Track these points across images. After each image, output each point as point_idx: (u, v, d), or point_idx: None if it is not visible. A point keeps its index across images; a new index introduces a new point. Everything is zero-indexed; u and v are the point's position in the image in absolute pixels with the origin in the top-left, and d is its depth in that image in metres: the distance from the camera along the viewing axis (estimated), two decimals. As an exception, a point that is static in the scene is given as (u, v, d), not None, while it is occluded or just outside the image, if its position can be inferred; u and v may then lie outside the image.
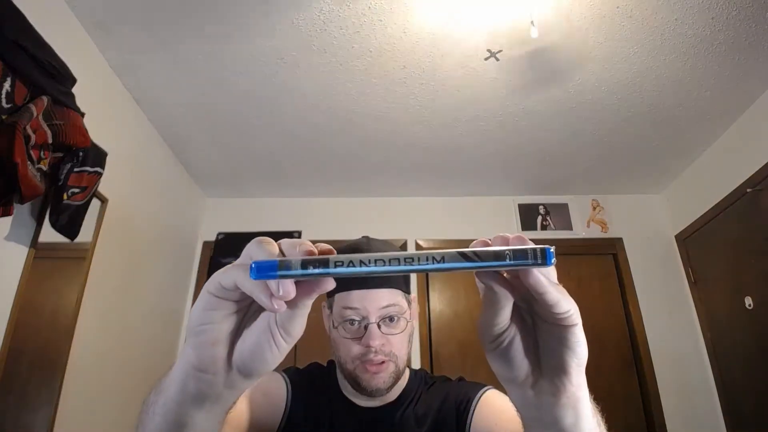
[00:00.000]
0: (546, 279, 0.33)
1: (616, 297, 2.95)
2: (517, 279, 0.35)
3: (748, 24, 1.77)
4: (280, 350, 0.36)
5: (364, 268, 0.30)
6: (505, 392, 0.42)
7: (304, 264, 0.30)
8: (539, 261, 0.31)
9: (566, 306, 0.34)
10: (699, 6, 1.69)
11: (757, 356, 2.28)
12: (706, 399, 2.65)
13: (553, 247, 0.31)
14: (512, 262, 0.31)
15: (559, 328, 0.35)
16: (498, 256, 0.31)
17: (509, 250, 0.31)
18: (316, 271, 0.30)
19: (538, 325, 0.38)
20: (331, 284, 0.33)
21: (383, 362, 0.74)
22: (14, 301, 1.44)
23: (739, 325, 2.41)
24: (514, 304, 0.37)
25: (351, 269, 0.30)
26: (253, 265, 0.30)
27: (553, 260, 0.31)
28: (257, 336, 0.36)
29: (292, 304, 0.34)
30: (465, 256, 0.31)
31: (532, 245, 0.32)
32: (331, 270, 0.30)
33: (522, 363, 0.38)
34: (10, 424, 1.45)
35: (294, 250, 0.33)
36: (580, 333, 0.35)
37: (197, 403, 0.37)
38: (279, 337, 0.35)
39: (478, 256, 0.31)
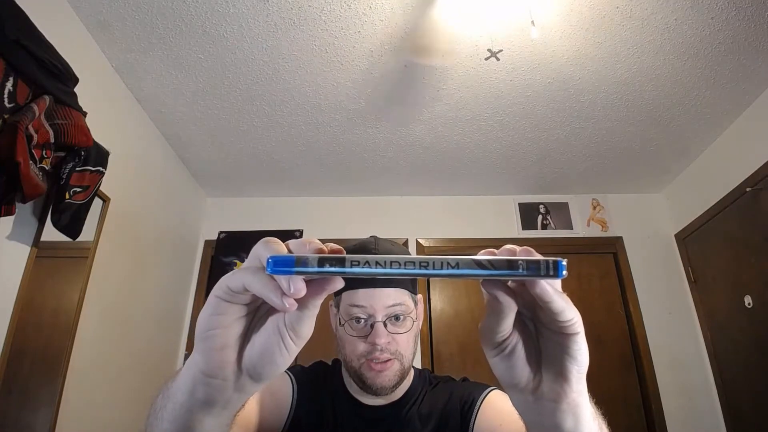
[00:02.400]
0: (552, 288, 0.34)
1: (616, 296, 2.95)
2: (521, 287, 0.36)
3: (747, 24, 1.77)
4: (289, 352, 0.36)
5: (379, 269, 0.31)
6: None
7: (321, 261, 0.31)
8: (551, 273, 0.31)
9: (570, 315, 0.34)
10: (699, 6, 1.69)
11: (757, 356, 2.28)
12: (706, 398, 2.65)
13: (566, 260, 0.32)
14: (525, 272, 0.31)
15: (561, 336, 0.36)
16: (512, 265, 0.31)
17: (523, 260, 0.31)
18: (333, 269, 0.31)
19: (540, 332, 0.38)
20: (340, 284, 0.33)
21: (388, 360, 0.75)
22: (16, 300, 1.45)
23: (738, 324, 2.41)
24: (517, 312, 0.37)
25: (367, 269, 0.31)
26: (270, 259, 0.31)
27: (564, 272, 0.31)
28: (266, 339, 0.36)
29: (301, 304, 0.34)
30: (479, 264, 0.31)
31: (542, 257, 0.32)
32: (347, 269, 0.31)
33: (523, 369, 0.38)
34: (11, 424, 1.45)
35: (304, 249, 0.33)
36: (582, 341, 0.36)
37: (206, 408, 0.37)
38: (288, 339, 0.36)
39: (493, 264, 0.31)
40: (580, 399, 0.38)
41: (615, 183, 3.06)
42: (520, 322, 0.39)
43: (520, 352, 0.39)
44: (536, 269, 0.31)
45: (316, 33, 1.80)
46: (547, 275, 0.31)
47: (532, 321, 0.39)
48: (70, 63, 1.49)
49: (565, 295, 0.35)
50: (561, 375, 0.37)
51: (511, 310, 0.36)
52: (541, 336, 0.38)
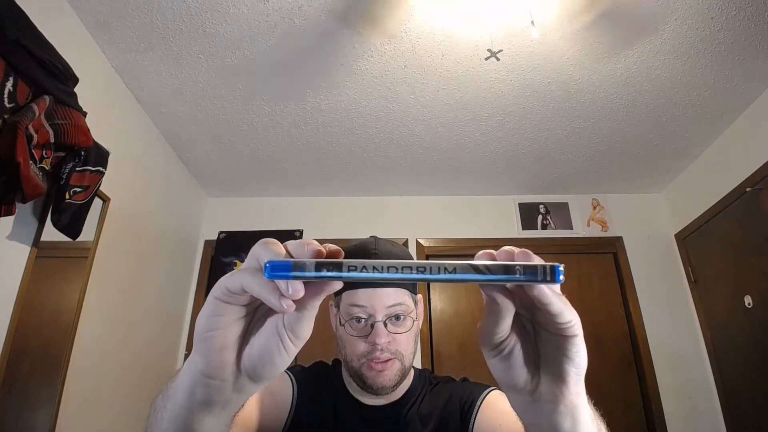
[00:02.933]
0: (550, 290, 0.34)
1: (616, 296, 2.95)
2: (520, 288, 0.36)
3: (748, 24, 1.77)
4: (288, 353, 0.36)
5: (376, 274, 0.31)
6: None
7: (318, 266, 0.31)
8: (548, 278, 0.31)
9: (569, 316, 0.34)
10: (699, 6, 1.69)
11: (757, 355, 2.28)
12: (706, 398, 2.65)
13: (563, 265, 0.32)
14: (521, 277, 0.32)
15: (560, 338, 0.36)
16: (508, 270, 0.32)
17: (519, 265, 0.32)
18: (330, 273, 0.31)
19: (539, 333, 0.38)
20: (338, 285, 0.33)
21: (389, 360, 0.75)
22: (16, 300, 1.45)
23: (738, 324, 2.41)
24: (516, 313, 0.37)
25: (364, 274, 0.31)
26: (267, 264, 0.31)
27: (562, 278, 0.31)
28: (265, 340, 0.36)
29: (300, 305, 0.34)
30: (476, 269, 0.32)
31: (540, 261, 0.33)
32: (344, 274, 0.31)
33: (521, 370, 0.38)
34: (11, 424, 1.46)
35: (302, 250, 0.33)
36: (580, 343, 0.36)
37: (206, 408, 0.37)
38: (287, 339, 0.36)
39: (489, 269, 0.32)
40: (578, 401, 0.38)
41: (615, 183, 3.06)
42: (518, 324, 0.39)
43: (519, 353, 0.39)
44: (533, 274, 0.31)
45: (316, 33, 1.80)
46: (544, 280, 0.32)
47: (530, 322, 0.39)
48: (70, 63, 1.49)
49: (563, 297, 0.35)
50: (559, 377, 0.37)
51: (508, 311, 0.36)
52: (540, 337, 0.38)
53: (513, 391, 0.40)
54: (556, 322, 0.35)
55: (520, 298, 0.36)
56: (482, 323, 0.38)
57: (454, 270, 0.31)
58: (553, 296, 0.34)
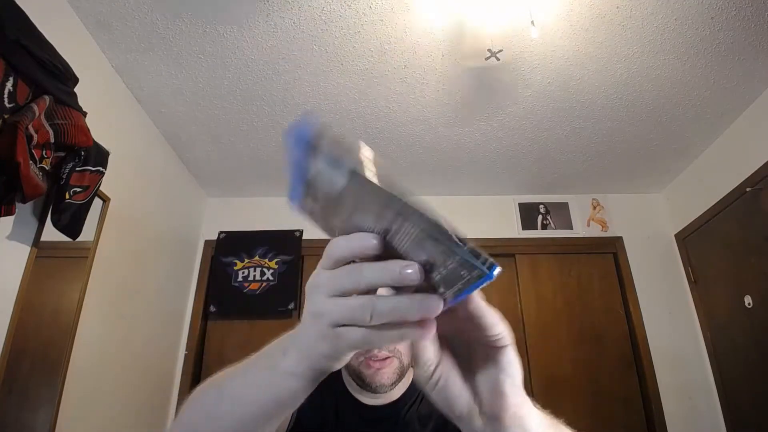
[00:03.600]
0: (484, 303, 0.35)
1: (616, 296, 2.95)
2: (453, 311, 0.35)
3: (747, 24, 1.77)
4: None
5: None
6: None
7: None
8: (485, 269, 0.29)
9: (500, 328, 0.36)
10: (699, 6, 1.69)
11: (757, 355, 2.28)
12: (706, 398, 2.65)
13: (498, 268, 0.29)
14: (465, 247, 0.29)
15: (492, 351, 0.37)
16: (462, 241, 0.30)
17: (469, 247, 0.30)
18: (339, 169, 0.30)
19: (474, 351, 0.39)
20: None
21: (387, 358, 0.75)
22: (16, 300, 1.45)
23: (738, 324, 2.41)
24: (446, 340, 0.39)
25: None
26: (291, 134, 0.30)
27: (496, 273, 0.29)
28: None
29: None
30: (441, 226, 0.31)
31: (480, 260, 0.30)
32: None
33: (461, 394, 0.39)
34: (11, 424, 1.46)
35: (381, 273, 0.32)
36: (512, 354, 0.37)
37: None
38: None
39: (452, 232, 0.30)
40: (523, 411, 0.38)
41: (615, 183, 3.05)
42: (448, 351, 0.39)
43: (455, 378, 0.39)
44: (476, 257, 0.29)
45: (316, 33, 1.80)
46: (483, 266, 0.29)
47: (465, 345, 0.39)
48: (70, 63, 1.49)
49: (494, 309, 0.36)
50: (496, 391, 0.37)
51: (422, 342, 0.37)
52: (475, 355, 0.39)
53: (462, 422, 0.40)
54: (487, 334, 0.35)
55: (455, 319, 0.36)
56: (413, 365, 0.40)
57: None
58: (486, 309, 0.35)
